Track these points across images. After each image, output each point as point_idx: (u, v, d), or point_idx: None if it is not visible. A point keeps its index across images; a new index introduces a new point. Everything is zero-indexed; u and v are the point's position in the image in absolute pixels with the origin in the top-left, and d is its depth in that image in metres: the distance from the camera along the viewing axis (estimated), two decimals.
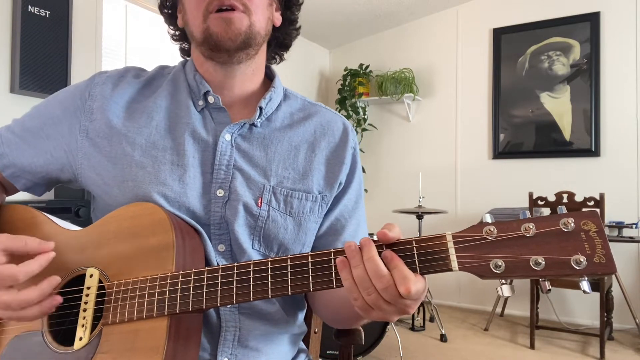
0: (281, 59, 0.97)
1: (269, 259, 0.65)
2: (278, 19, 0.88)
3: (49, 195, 2.38)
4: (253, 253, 0.78)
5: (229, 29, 0.76)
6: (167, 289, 0.67)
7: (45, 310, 0.68)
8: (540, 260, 0.55)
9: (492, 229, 0.57)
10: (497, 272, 0.56)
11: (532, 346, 3.12)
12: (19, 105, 2.42)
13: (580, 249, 0.54)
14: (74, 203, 2.35)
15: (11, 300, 0.66)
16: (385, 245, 0.60)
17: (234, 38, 0.77)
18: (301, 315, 0.90)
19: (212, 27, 0.76)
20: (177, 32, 0.92)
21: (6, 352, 0.75)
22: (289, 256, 0.64)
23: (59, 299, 0.69)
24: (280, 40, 0.93)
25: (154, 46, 3.23)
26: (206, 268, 0.67)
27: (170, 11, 0.90)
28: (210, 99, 0.83)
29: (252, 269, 0.65)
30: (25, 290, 0.67)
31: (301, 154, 0.85)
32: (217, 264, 0.76)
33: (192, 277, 0.67)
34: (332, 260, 0.62)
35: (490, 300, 3.86)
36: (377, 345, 2.66)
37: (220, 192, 0.78)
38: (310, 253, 0.63)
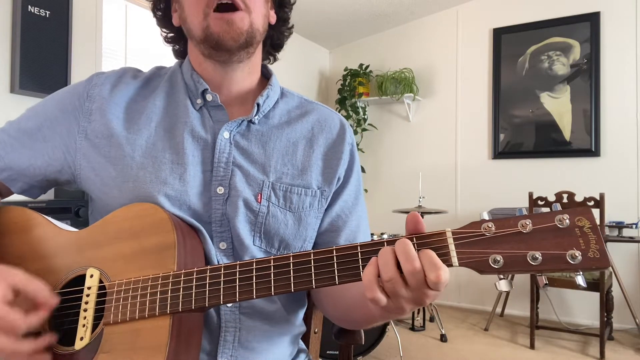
0: (275, 59, 0.97)
1: (272, 257, 0.65)
2: (273, 17, 0.88)
3: (49, 195, 2.38)
4: (254, 250, 0.78)
5: (231, 29, 0.76)
6: (170, 287, 0.67)
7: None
8: (537, 256, 0.56)
9: (490, 226, 0.58)
10: (496, 267, 0.57)
11: (532, 346, 3.12)
12: (19, 105, 2.42)
13: (575, 244, 0.56)
14: (73, 203, 2.35)
15: (4, 348, 0.65)
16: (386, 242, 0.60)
17: (237, 38, 0.77)
18: (301, 314, 0.90)
19: (213, 27, 0.76)
20: (170, 35, 0.91)
21: None
22: (291, 254, 0.64)
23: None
24: (274, 40, 0.93)
25: (154, 46, 3.23)
26: (208, 267, 0.67)
27: (162, 14, 0.89)
28: (209, 97, 0.83)
29: (254, 267, 0.65)
30: (21, 342, 0.66)
31: (299, 150, 0.85)
32: (218, 262, 0.76)
33: (195, 276, 0.67)
34: (334, 257, 0.62)
35: (490, 300, 3.87)
36: (377, 345, 2.67)
37: (220, 190, 0.78)
38: (312, 251, 0.64)
